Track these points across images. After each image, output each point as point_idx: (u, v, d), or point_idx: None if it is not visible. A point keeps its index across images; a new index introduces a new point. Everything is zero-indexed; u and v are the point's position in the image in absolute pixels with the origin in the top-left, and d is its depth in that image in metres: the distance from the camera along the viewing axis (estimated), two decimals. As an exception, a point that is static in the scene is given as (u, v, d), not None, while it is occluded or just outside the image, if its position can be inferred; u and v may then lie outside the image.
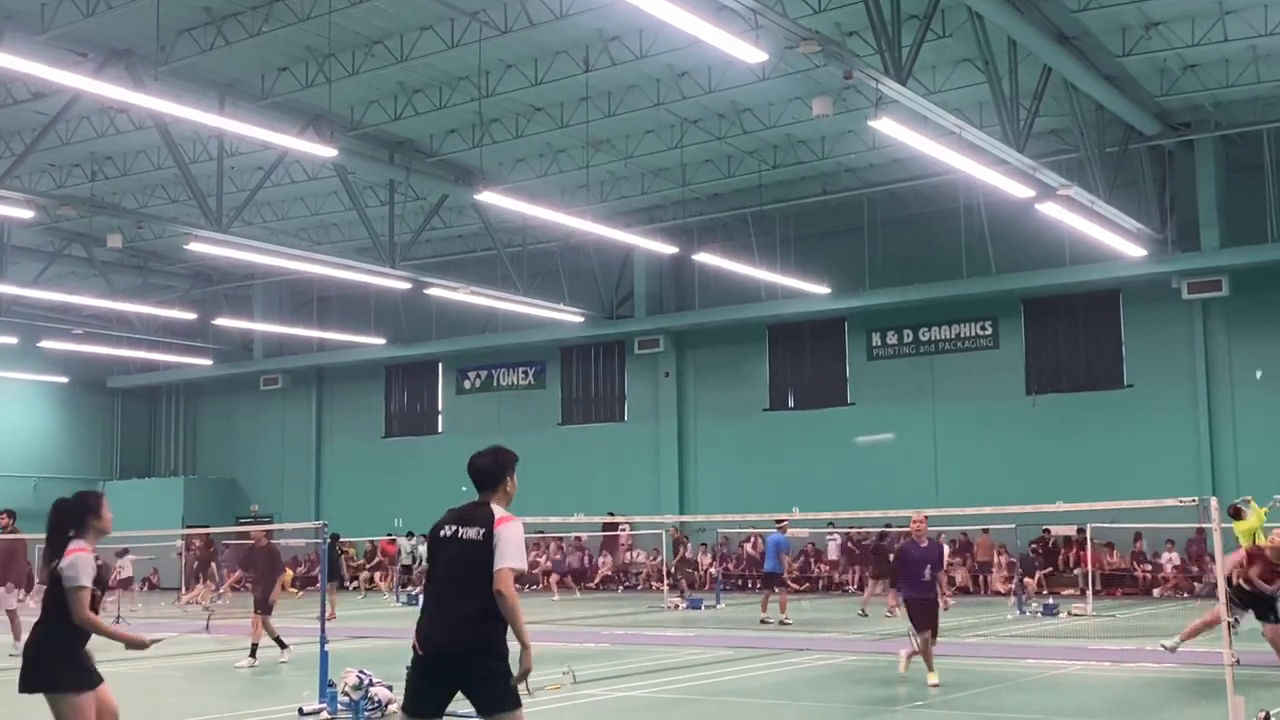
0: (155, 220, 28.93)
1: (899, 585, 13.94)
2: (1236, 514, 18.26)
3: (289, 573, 32.93)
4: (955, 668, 15.28)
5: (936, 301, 31.21)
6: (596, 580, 34.74)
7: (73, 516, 7.02)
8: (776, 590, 22.67)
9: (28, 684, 6.93)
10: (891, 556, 17.28)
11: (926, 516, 13.82)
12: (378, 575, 37.20)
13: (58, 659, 6.89)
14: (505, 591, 6.07)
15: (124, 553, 30.56)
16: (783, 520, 23.97)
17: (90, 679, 6.96)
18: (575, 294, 33.39)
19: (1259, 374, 27.52)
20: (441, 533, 6.37)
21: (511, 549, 6.18)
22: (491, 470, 6.55)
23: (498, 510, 6.34)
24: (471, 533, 6.25)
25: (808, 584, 31.89)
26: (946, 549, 17.06)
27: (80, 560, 6.81)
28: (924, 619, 13.27)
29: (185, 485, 43.07)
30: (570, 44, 22.17)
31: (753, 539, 33.71)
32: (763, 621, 22.02)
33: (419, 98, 24.53)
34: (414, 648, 6.22)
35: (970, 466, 30.73)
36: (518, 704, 6.13)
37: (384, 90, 24.31)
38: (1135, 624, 20.93)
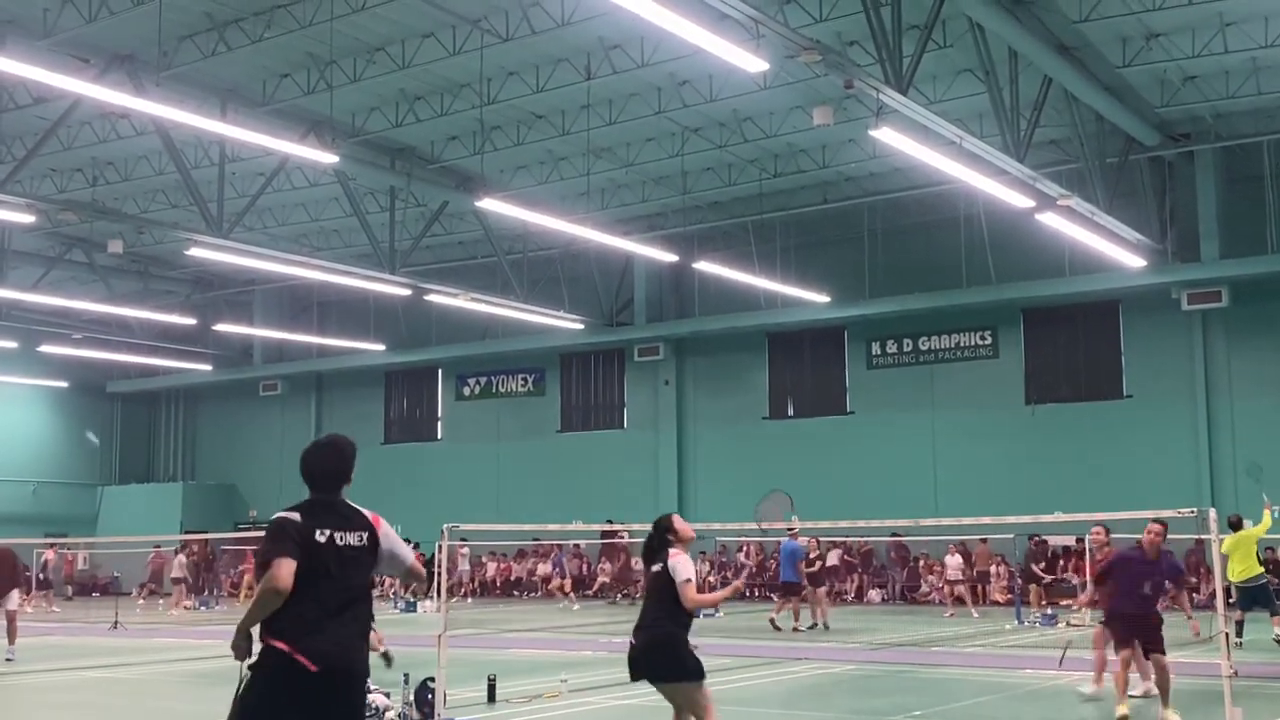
0: (156, 225, 28.94)
1: (1111, 598, 12.09)
2: (1237, 525, 18.27)
3: None
4: (953, 678, 15.28)
5: (936, 311, 31.21)
6: (595, 588, 34.70)
7: (659, 534, 8.30)
8: (790, 599, 22.98)
9: (662, 674, 7.93)
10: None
11: (1163, 526, 11.99)
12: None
13: (688, 651, 7.95)
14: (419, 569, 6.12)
15: (179, 551, 31.30)
16: (794, 528, 24.02)
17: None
18: (575, 301, 33.41)
19: None
20: (318, 537, 5.57)
21: (407, 550, 6.08)
22: (345, 468, 5.99)
23: (364, 510, 5.92)
24: (354, 538, 5.71)
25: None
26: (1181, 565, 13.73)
27: (682, 561, 8.06)
28: (1130, 634, 11.67)
29: (184, 491, 43.07)
30: (572, 52, 22.20)
31: (745, 547, 33.65)
32: (795, 630, 22.39)
33: (420, 104, 24.56)
34: (292, 663, 5.34)
35: (969, 476, 30.72)
36: None
37: (385, 97, 24.33)
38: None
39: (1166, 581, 12.13)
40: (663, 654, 7.92)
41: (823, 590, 23.76)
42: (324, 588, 5.47)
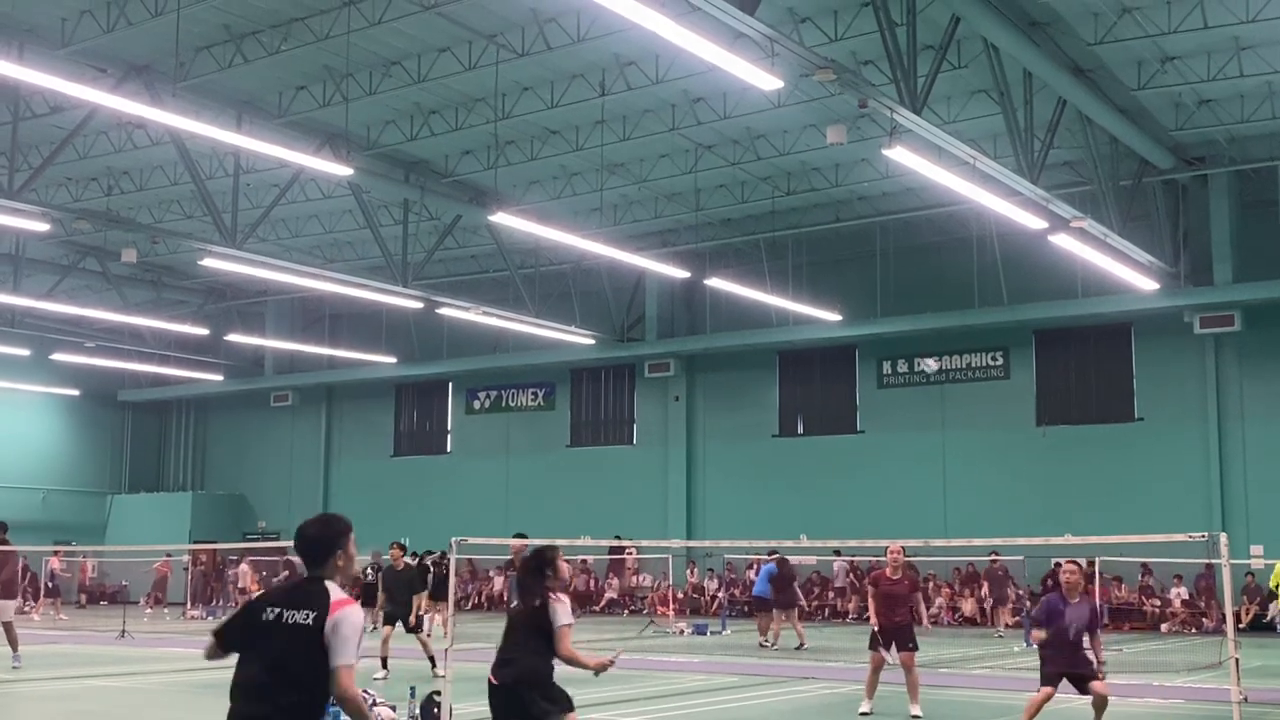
0: (170, 235, 29.07)
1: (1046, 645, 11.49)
2: None
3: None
4: (961, 700, 15.22)
5: (947, 331, 31.18)
6: (602, 604, 34.65)
7: (541, 569, 7.74)
8: (759, 613, 23.44)
9: (535, 712, 7.45)
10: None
11: (1079, 567, 11.49)
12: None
13: (555, 684, 7.56)
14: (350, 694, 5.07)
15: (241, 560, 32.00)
16: (776, 552, 24.16)
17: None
18: (586, 316, 33.43)
19: None
20: (264, 616, 5.12)
21: (347, 653, 5.06)
22: (313, 548, 5.28)
23: (334, 594, 5.13)
24: (299, 616, 5.06)
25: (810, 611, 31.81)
26: (1102, 610, 14.19)
27: (564, 605, 7.60)
28: (1056, 675, 11.31)
29: (193, 500, 43.11)
30: (586, 68, 22.26)
31: (755, 565, 33.66)
32: (761, 645, 22.89)
33: (435, 118, 24.64)
34: None
35: (979, 497, 30.64)
36: None
37: (400, 110, 24.42)
38: (1142, 658, 20.80)
39: (1089, 625, 11.36)
40: (534, 690, 7.47)
41: (793, 611, 23.60)
42: (251, 661, 5.13)
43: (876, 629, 13.65)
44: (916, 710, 13.27)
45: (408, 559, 18.82)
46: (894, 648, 13.61)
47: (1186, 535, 11.82)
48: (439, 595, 25.48)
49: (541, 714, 7.45)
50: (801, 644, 22.73)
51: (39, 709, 14.84)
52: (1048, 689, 11.34)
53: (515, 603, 7.81)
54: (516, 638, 7.65)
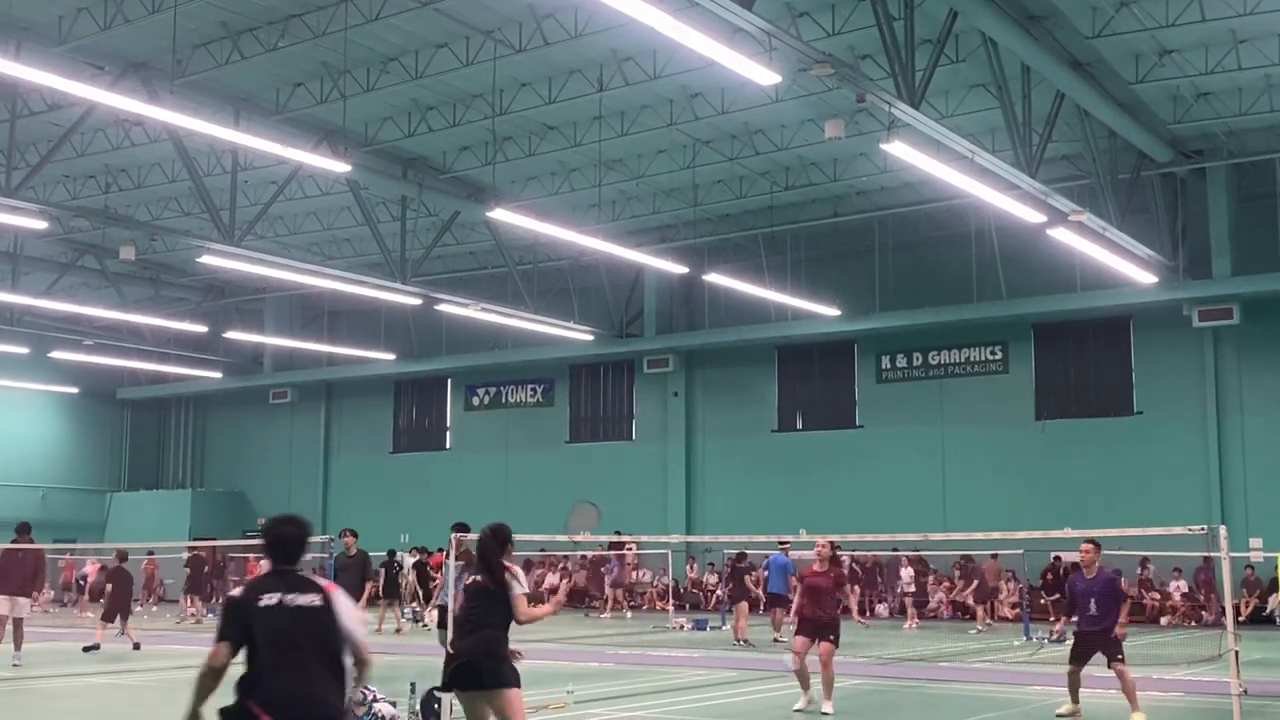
0: (168, 233, 29.03)
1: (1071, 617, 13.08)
2: None
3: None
4: (961, 694, 15.23)
5: (946, 325, 31.17)
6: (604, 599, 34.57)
7: (502, 544, 8.38)
8: (777, 609, 23.04)
9: (481, 683, 7.90)
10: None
11: (1097, 545, 12.67)
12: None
13: (505, 658, 8.00)
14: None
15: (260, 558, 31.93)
16: (786, 542, 24.02)
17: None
18: (585, 312, 33.43)
19: None
20: (263, 602, 5.71)
21: (361, 631, 5.94)
22: (302, 541, 6.02)
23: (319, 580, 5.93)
24: (305, 600, 5.76)
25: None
26: (1125, 582, 15.70)
27: (519, 573, 8.32)
28: (1084, 653, 12.59)
29: (193, 498, 43.12)
30: (584, 64, 22.24)
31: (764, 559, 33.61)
32: (775, 640, 22.54)
33: (433, 115, 24.62)
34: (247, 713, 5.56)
35: (979, 491, 30.65)
36: None
37: (398, 107, 24.40)
38: (1141, 652, 20.80)
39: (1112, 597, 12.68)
40: (490, 659, 7.93)
41: (742, 605, 23.39)
42: (276, 646, 5.66)
43: (795, 620, 13.87)
44: (828, 707, 13.08)
45: (404, 554, 18.88)
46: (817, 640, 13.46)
47: (1186, 528, 11.82)
48: (391, 593, 26.79)
49: (496, 684, 7.87)
50: (738, 639, 22.60)
51: (39, 708, 14.84)
52: (1071, 666, 12.58)
53: (472, 578, 8.35)
54: (476, 609, 8.13)
